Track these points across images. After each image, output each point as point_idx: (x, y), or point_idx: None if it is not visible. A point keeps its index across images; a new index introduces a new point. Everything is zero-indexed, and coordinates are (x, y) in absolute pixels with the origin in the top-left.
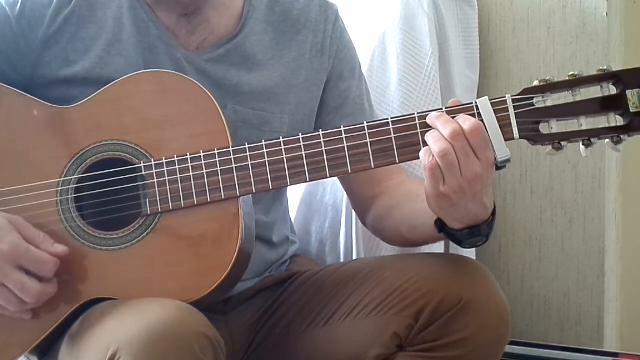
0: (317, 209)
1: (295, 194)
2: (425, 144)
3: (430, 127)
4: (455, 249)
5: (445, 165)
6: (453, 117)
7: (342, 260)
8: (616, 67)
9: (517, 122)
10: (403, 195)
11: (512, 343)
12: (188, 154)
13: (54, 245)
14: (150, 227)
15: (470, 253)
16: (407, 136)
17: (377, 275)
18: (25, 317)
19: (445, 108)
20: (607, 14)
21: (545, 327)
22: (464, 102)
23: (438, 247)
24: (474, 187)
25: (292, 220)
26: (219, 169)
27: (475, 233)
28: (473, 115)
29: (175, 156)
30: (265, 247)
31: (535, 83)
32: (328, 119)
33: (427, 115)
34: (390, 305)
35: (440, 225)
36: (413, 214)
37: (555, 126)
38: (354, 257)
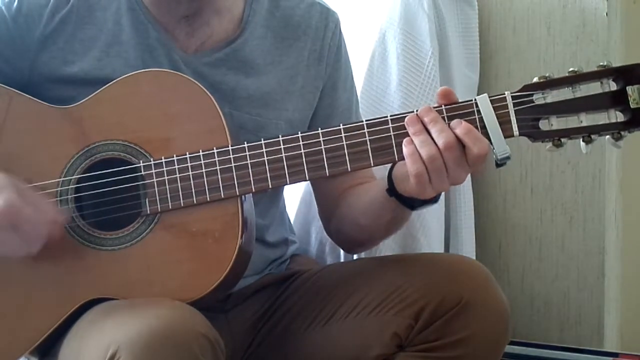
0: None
1: (296, 193)
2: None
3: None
4: (455, 249)
5: (434, 170)
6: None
7: (342, 260)
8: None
9: (516, 119)
10: (364, 189)
11: (512, 343)
12: (187, 153)
13: (53, 210)
14: (150, 227)
15: (470, 253)
16: (406, 134)
17: (377, 275)
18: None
19: (445, 105)
20: (607, 14)
21: (545, 327)
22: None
23: (438, 247)
24: (453, 185)
25: (292, 220)
26: (218, 168)
27: (426, 201)
28: (472, 113)
29: (175, 155)
30: (263, 247)
31: (535, 80)
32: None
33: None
34: (390, 305)
35: (393, 191)
36: (369, 197)
37: (555, 123)
38: (354, 257)
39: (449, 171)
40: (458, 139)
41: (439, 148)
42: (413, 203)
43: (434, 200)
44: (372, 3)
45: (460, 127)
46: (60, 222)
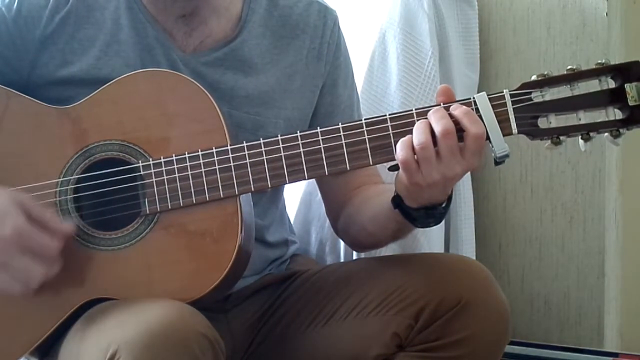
0: (317, 209)
1: (295, 194)
2: None
3: None
4: (455, 249)
5: (423, 158)
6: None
7: (342, 260)
8: None
9: (515, 117)
10: (372, 193)
11: (512, 343)
12: (186, 152)
13: (61, 225)
14: (149, 227)
15: (470, 253)
16: (405, 132)
17: (377, 275)
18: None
19: (443, 104)
20: (607, 14)
21: (545, 327)
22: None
23: (438, 247)
24: (449, 183)
25: (292, 220)
26: (217, 167)
27: (430, 214)
28: None
29: (174, 155)
30: (262, 247)
31: (534, 77)
32: (316, 126)
33: (426, 111)
34: (390, 305)
35: (397, 202)
36: (376, 205)
37: (553, 120)
38: (354, 257)
39: (443, 160)
40: (456, 123)
41: (434, 136)
42: (416, 216)
43: (437, 214)
44: (372, 3)
45: (459, 109)
46: (69, 234)
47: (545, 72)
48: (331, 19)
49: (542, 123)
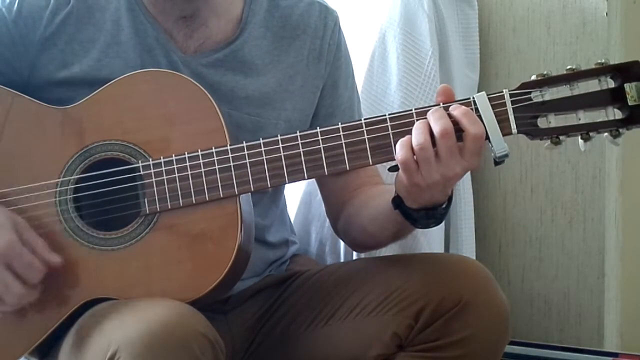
0: (317, 209)
1: (295, 194)
2: None
3: None
4: (455, 249)
5: (422, 159)
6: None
7: (342, 260)
8: None
9: (514, 116)
10: (372, 193)
11: (512, 343)
12: (186, 152)
13: (50, 254)
14: (149, 227)
15: (470, 253)
16: (405, 132)
17: (377, 275)
18: None
19: (443, 104)
20: (607, 14)
21: (545, 327)
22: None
23: (438, 248)
24: (449, 183)
25: (292, 220)
26: (217, 167)
27: (430, 215)
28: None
29: (173, 155)
30: (263, 248)
31: (533, 77)
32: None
33: (425, 111)
34: (390, 305)
35: (398, 202)
36: (376, 205)
37: (553, 120)
38: (354, 257)
39: (442, 160)
40: (455, 123)
41: (433, 136)
42: (416, 217)
43: (437, 215)
44: (372, 3)
45: (459, 109)
46: (56, 266)
47: (545, 72)
48: (332, 20)
49: (542, 123)
